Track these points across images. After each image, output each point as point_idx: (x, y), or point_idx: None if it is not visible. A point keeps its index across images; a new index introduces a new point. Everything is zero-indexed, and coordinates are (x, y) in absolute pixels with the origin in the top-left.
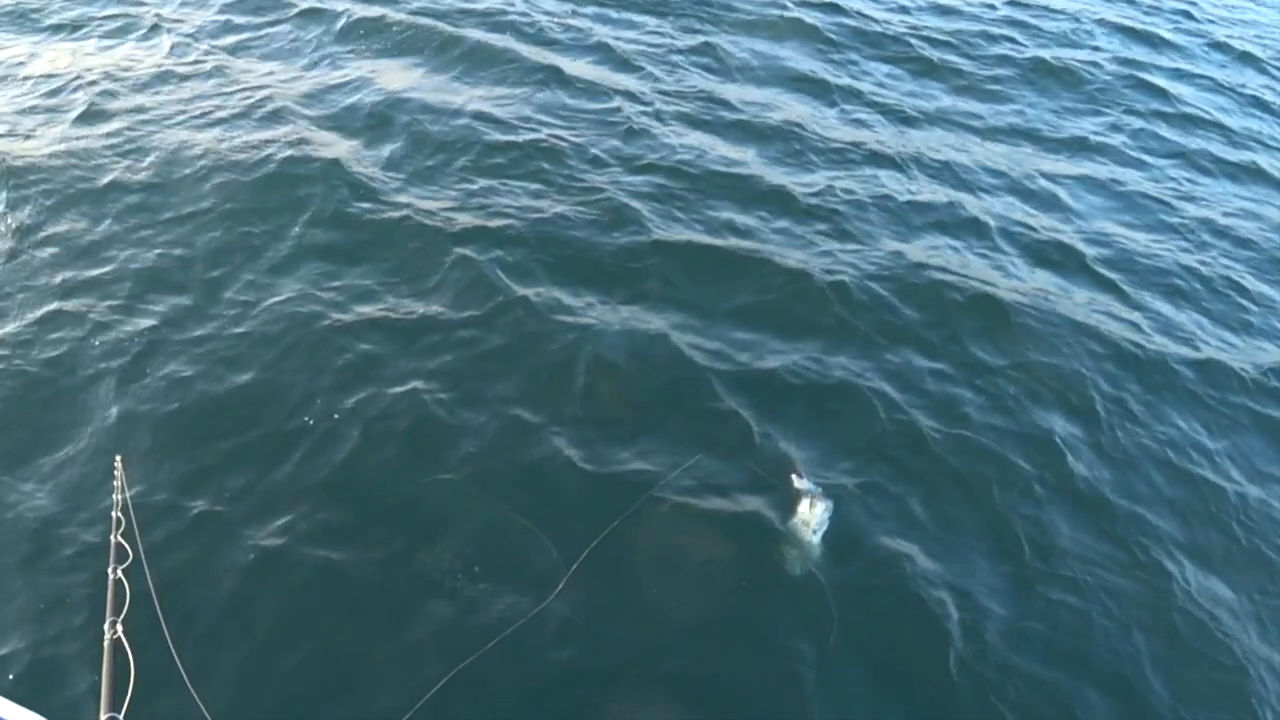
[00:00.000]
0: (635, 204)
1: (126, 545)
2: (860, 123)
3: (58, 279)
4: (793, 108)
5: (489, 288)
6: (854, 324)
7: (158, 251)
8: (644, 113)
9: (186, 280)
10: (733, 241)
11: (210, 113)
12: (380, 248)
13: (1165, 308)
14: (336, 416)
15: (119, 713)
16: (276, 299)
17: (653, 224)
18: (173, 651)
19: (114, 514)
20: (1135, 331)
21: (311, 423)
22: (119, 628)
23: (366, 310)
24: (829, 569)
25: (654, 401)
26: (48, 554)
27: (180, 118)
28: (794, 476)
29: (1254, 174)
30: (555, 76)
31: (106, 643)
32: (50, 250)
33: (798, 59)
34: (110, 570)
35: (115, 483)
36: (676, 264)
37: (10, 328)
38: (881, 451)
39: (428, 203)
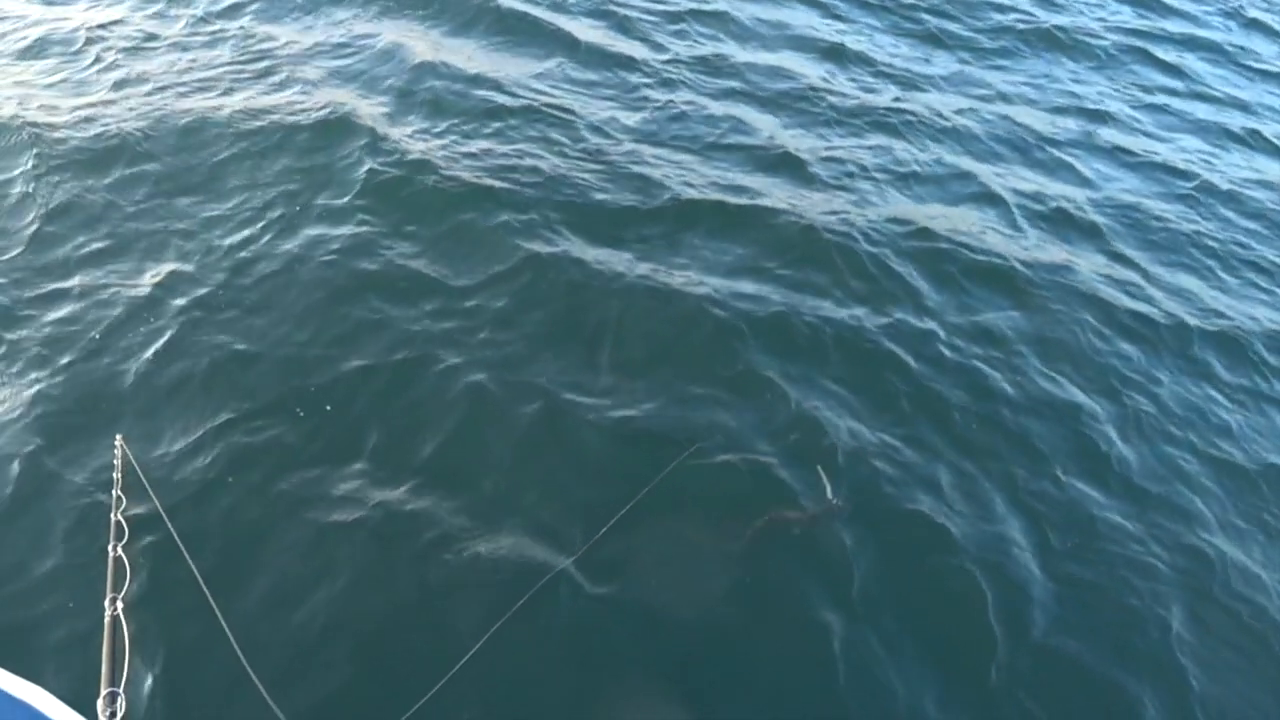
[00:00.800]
0: (651, 168)
1: (124, 523)
2: (870, 89)
3: (81, 251)
4: (804, 74)
5: (515, 252)
6: (870, 289)
7: (183, 222)
8: (657, 81)
9: (213, 248)
10: (749, 203)
11: (233, 80)
12: (399, 211)
13: (1184, 279)
14: (365, 380)
15: (118, 687)
16: (305, 265)
17: (670, 188)
18: (219, 617)
19: (114, 492)
20: (1151, 304)
21: (340, 387)
22: (119, 605)
23: (389, 274)
24: (858, 542)
25: (679, 362)
26: (63, 527)
27: (203, 85)
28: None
29: (1264, 144)
30: (569, 44)
31: (107, 619)
32: (73, 222)
33: (808, 27)
34: (110, 548)
35: (115, 461)
36: (694, 226)
37: (31, 300)
38: (905, 421)
39: (448, 167)
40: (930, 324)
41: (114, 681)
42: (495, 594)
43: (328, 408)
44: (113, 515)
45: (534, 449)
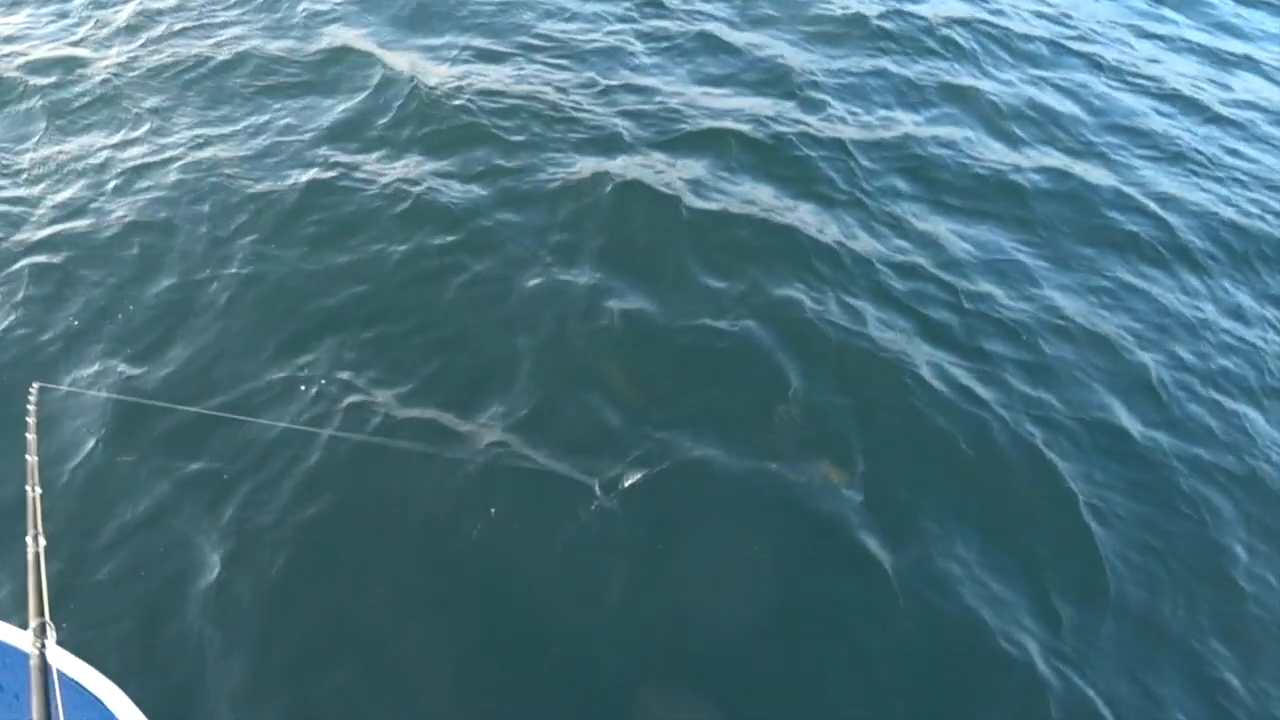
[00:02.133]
0: (667, 97)
1: (36, 464)
2: (867, 6)
3: (86, 197)
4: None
5: (542, 182)
6: (875, 201)
7: (204, 168)
8: (662, 12)
9: (228, 188)
10: (762, 131)
11: (248, 20)
12: (421, 146)
13: (1191, 195)
14: (417, 299)
15: (45, 618)
16: (327, 201)
17: (686, 116)
18: None
19: (28, 435)
20: (1162, 228)
21: (398, 302)
22: (41, 541)
23: (411, 207)
24: (914, 484)
25: (706, 286)
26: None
27: (219, 26)
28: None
29: (1256, 68)
30: None
31: (30, 555)
32: (75, 170)
33: None
34: (29, 488)
35: (30, 407)
36: (706, 150)
37: (39, 245)
38: (933, 351)
39: (471, 102)
40: (941, 249)
41: (41, 613)
42: (533, 514)
43: (370, 334)
44: (29, 456)
45: (568, 370)
